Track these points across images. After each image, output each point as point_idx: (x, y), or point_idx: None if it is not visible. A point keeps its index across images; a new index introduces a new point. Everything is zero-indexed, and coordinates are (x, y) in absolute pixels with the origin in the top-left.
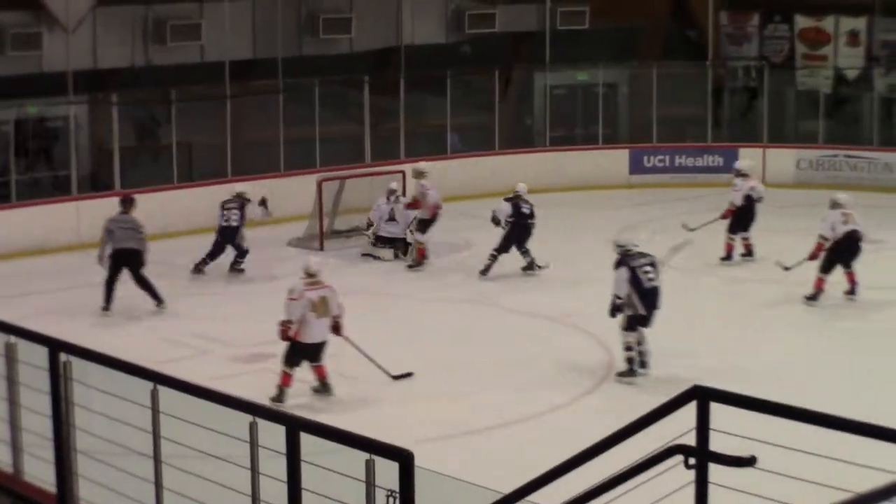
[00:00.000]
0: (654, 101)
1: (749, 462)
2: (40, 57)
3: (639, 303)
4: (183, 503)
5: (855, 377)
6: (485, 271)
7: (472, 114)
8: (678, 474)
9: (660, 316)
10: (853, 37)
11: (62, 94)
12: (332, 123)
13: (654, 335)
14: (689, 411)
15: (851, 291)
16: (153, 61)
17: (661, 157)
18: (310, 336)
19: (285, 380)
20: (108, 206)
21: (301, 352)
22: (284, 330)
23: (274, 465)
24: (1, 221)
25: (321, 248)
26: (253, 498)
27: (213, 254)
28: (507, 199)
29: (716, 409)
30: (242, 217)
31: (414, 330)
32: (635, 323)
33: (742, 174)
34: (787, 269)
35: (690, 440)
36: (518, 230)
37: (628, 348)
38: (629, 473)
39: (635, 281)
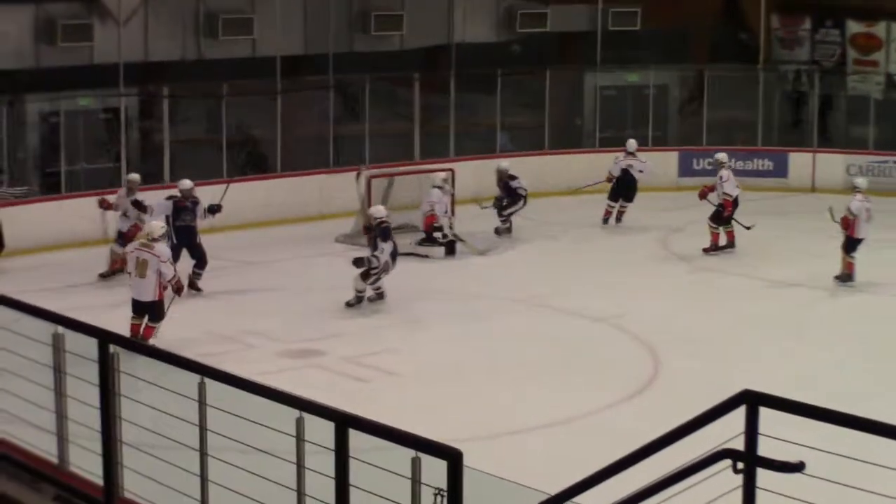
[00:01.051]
0: (704, 104)
1: (798, 468)
2: (91, 48)
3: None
4: (228, 497)
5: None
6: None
7: (522, 113)
8: (726, 478)
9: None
10: None
11: (113, 87)
12: (382, 121)
13: (703, 335)
14: (739, 416)
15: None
16: (205, 55)
17: (710, 159)
18: (132, 291)
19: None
20: (157, 199)
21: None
22: None
23: (319, 461)
24: (50, 212)
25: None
26: (298, 493)
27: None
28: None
29: (765, 413)
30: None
31: (460, 327)
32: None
33: (628, 152)
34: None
35: (739, 444)
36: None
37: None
38: (677, 477)
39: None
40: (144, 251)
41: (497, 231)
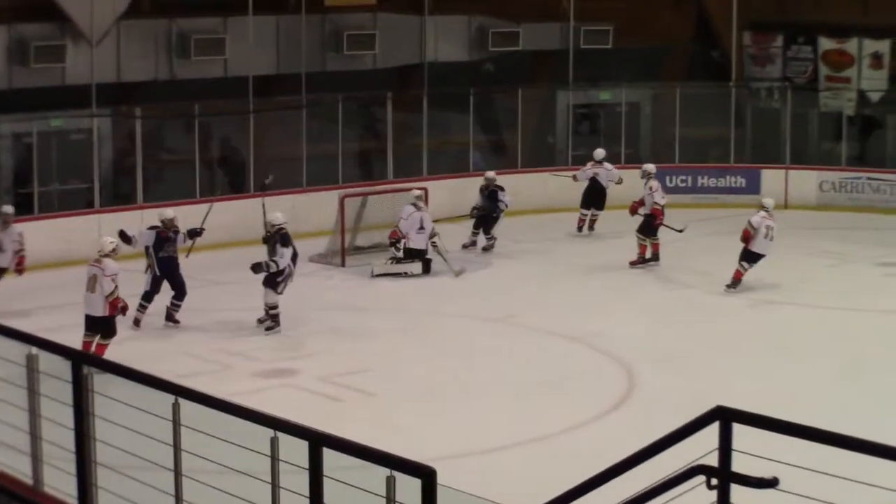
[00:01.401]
0: (676, 122)
1: (772, 483)
2: (64, 69)
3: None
4: None
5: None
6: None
7: (494, 131)
8: (700, 495)
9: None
10: (876, 59)
11: (86, 107)
12: (355, 140)
13: (676, 352)
14: (713, 432)
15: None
16: (177, 75)
17: (683, 177)
18: (84, 307)
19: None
20: (129, 219)
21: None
22: None
23: (294, 480)
24: (24, 233)
25: (342, 265)
26: None
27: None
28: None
29: (738, 429)
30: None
31: (435, 346)
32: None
33: (596, 161)
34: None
35: (713, 461)
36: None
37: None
38: (651, 493)
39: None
40: (94, 266)
41: (484, 249)
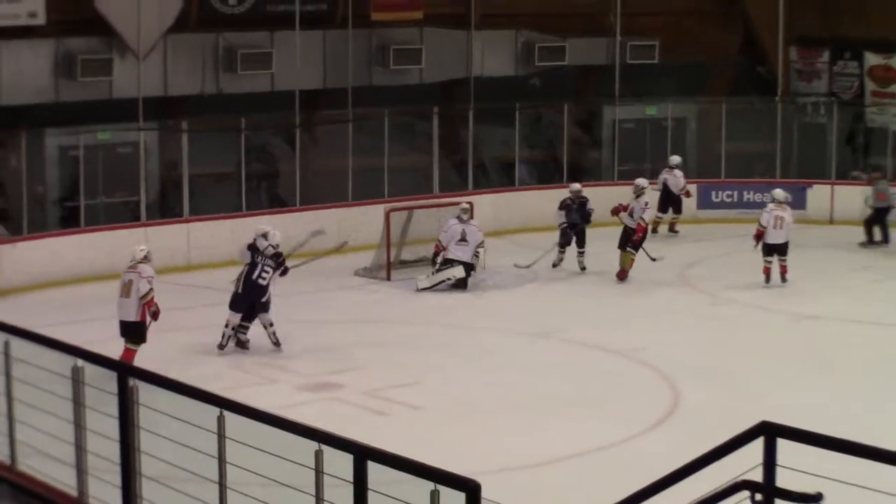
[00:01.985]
0: (723, 137)
1: (816, 499)
2: (111, 83)
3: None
4: None
5: None
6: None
7: (540, 146)
8: None
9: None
10: None
11: (132, 121)
12: (401, 154)
13: (719, 367)
14: (758, 447)
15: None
16: (224, 89)
17: (728, 192)
18: (118, 312)
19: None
20: (176, 232)
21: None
22: None
23: (338, 494)
24: (69, 246)
25: (388, 278)
26: None
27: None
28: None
29: (783, 444)
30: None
31: (478, 361)
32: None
33: (669, 166)
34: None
35: (757, 476)
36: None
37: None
38: None
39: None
40: (130, 272)
41: (554, 265)
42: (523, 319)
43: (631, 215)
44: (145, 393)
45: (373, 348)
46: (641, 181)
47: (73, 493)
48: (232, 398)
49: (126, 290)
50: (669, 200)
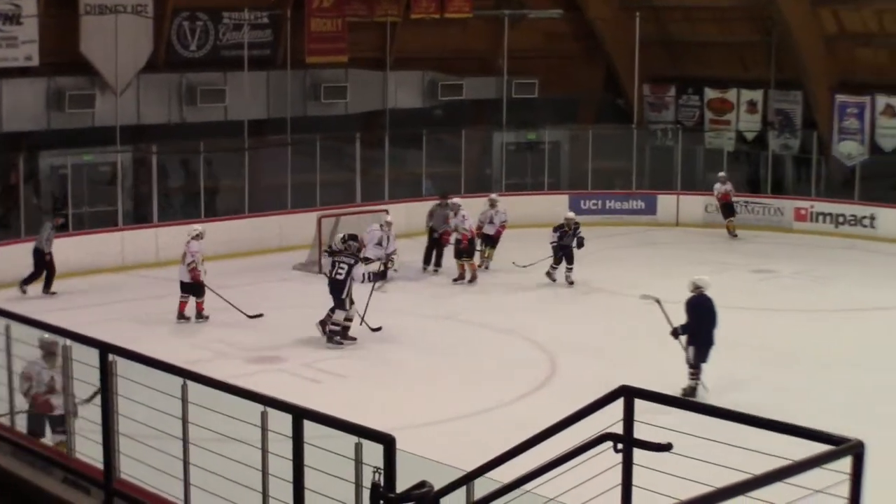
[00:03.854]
0: (589, 157)
1: (666, 447)
2: (93, 114)
3: None
4: (206, 478)
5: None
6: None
7: (443, 164)
8: (609, 457)
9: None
10: (752, 105)
11: (111, 145)
12: (330, 171)
13: (594, 344)
14: (619, 406)
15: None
16: (186, 119)
17: (594, 201)
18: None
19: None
20: (147, 236)
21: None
22: None
23: (281, 447)
24: (60, 247)
25: (320, 271)
26: (263, 474)
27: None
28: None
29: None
30: (350, 273)
31: (398, 340)
32: None
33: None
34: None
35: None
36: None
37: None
38: (568, 456)
39: None
40: (184, 246)
41: (547, 273)
42: (427, 305)
43: (454, 231)
44: (122, 366)
45: (308, 328)
46: (456, 201)
47: (63, 448)
48: (193, 370)
49: (183, 258)
50: (724, 209)
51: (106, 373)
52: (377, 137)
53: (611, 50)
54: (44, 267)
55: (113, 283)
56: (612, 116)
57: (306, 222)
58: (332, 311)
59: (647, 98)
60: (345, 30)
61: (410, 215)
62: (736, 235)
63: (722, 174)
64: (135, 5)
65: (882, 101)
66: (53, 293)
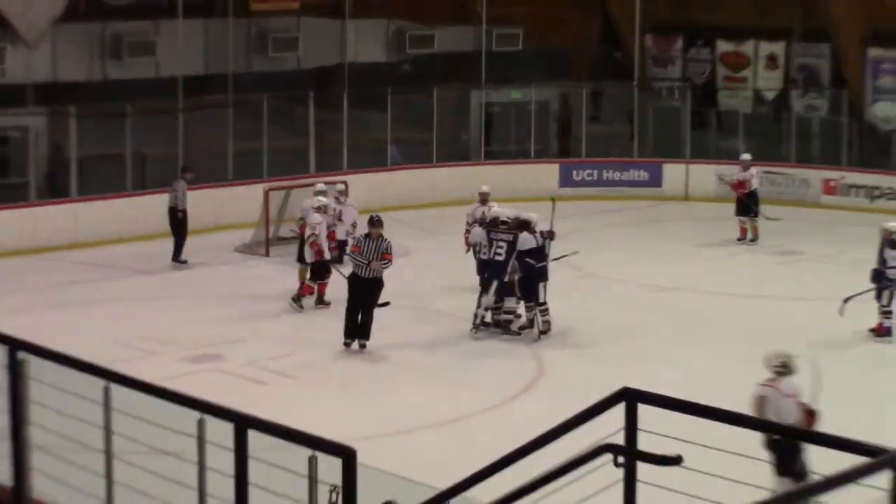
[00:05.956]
0: (583, 119)
1: (675, 461)
2: (3, 69)
3: None
4: (133, 497)
5: None
6: None
7: (411, 129)
8: (608, 472)
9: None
10: (772, 60)
11: (22, 106)
12: (279, 137)
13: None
14: (620, 412)
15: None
16: (110, 76)
17: (589, 171)
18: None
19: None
20: (64, 213)
21: None
22: None
23: (221, 461)
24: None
25: (266, 254)
26: (200, 492)
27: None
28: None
29: (649, 412)
30: (512, 251)
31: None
32: None
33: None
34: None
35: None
36: None
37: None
38: (561, 471)
39: None
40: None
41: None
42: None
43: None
44: (34, 366)
45: (251, 321)
46: (484, 187)
47: None
48: (117, 371)
49: (300, 234)
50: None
51: (16, 374)
52: (334, 97)
53: None
54: None
55: (23, 267)
56: (609, 72)
57: (251, 196)
58: (484, 298)
59: (649, 51)
60: None
61: (373, 188)
62: (755, 240)
63: (746, 156)
64: None
65: None
66: None
